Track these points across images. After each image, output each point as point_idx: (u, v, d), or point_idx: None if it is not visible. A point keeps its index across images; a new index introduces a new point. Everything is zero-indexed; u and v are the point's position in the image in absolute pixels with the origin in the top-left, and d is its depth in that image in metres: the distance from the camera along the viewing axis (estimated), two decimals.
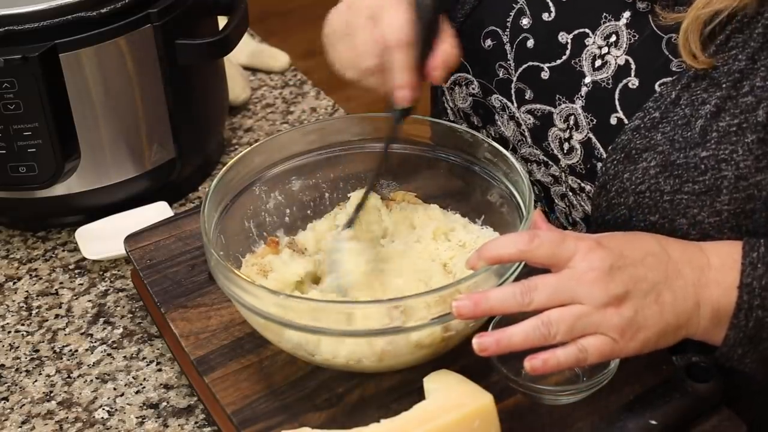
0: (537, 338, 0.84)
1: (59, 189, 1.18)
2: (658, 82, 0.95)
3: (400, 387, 0.94)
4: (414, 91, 0.97)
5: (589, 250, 0.85)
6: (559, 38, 1.02)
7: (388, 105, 0.98)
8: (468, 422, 0.85)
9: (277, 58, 1.53)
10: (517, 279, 0.88)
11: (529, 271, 0.88)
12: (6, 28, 1.08)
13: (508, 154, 1.00)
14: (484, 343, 0.84)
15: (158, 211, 1.21)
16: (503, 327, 0.85)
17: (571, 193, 1.04)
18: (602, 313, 0.84)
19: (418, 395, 0.90)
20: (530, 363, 0.84)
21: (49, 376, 1.06)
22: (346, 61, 1.01)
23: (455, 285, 0.87)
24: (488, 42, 1.07)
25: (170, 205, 1.24)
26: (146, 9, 1.15)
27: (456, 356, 0.93)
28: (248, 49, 1.52)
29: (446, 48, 0.97)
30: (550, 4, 1.03)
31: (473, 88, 1.09)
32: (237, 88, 1.42)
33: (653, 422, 0.88)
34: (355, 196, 1.07)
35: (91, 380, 1.05)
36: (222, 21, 1.26)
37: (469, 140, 1.04)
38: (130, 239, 1.11)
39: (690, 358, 0.98)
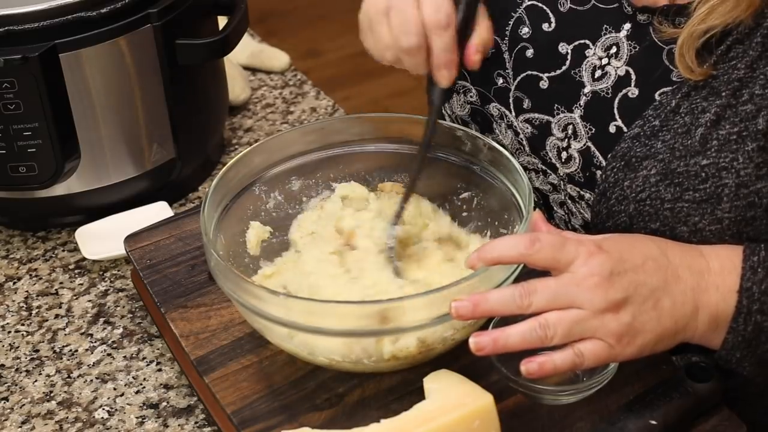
0: (534, 340, 0.84)
1: (59, 189, 1.18)
2: (657, 92, 0.96)
3: (400, 387, 0.94)
4: (455, 72, 0.95)
5: (589, 254, 0.85)
6: (560, 49, 1.02)
7: (427, 88, 0.97)
8: (468, 422, 0.85)
9: (277, 58, 1.53)
10: (516, 280, 0.88)
11: (529, 272, 0.88)
12: (6, 28, 1.08)
13: (508, 154, 1.00)
14: (480, 342, 0.84)
15: (158, 211, 1.21)
16: (502, 327, 0.85)
17: (570, 201, 1.04)
18: (600, 319, 0.84)
19: (418, 395, 0.90)
20: (526, 367, 0.85)
21: (49, 376, 1.06)
22: (386, 41, 0.97)
23: (454, 285, 0.87)
24: None
25: (170, 205, 1.24)
26: (146, 9, 1.15)
27: (456, 356, 0.93)
28: (248, 49, 1.52)
29: (483, 32, 0.96)
30: (550, 14, 1.03)
31: (471, 96, 1.09)
32: (237, 88, 1.42)
33: (653, 422, 0.88)
34: (341, 188, 1.07)
35: (91, 380, 1.05)
36: (222, 21, 1.26)
37: (469, 141, 1.04)
38: (130, 239, 1.11)
39: (690, 358, 0.98)
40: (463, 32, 0.95)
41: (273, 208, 1.07)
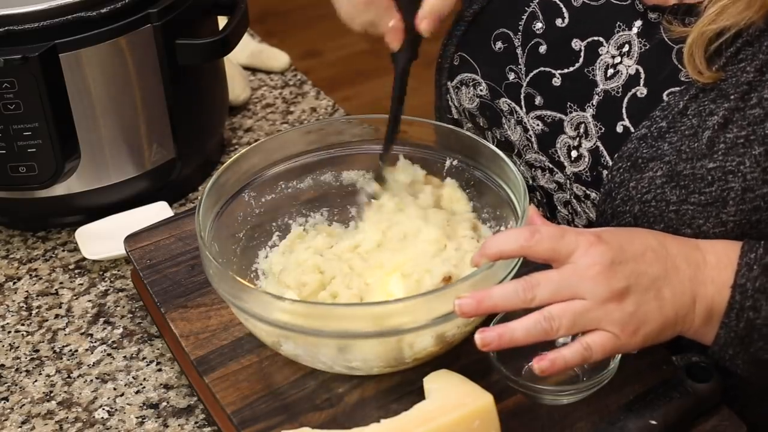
0: (539, 333, 0.84)
1: (59, 189, 1.18)
2: (666, 92, 0.95)
3: (400, 387, 0.94)
4: (402, 34, 0.99)
5: (590, 245, 0.85)
6: (573, 45, 1.02)
7: (392, 55, 1.01)
8: (468, 422, 0.85)
9: (277, 58, 1.53)
10: (517, 275, 0.88)
11: (531, 267, 0.88)
12: (6, 28, 1.08)
13: (501, 154, 0.99)
14: (486, 337, 0.84)
15: (158, 211, 1.21)
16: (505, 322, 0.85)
17: (575, 200, 1.04)
18: (604, 309, 0.84)
19: (418, 395, 0.90)
20: (538, 365, 0.84)
21: (49, 376, 1.06)
22: (347, 15, 1.04)
23: (455, 285, 0.87)
24: (498, 44, 1.07)
25: (170, 205, 1.24)
26: (146, 9, 1.15)
27: (456, 356, 0.93)
28: (248, 49, 1.52)
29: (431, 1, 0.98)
30: (564, 9, 1.03)
31: (481, 90, 1.09)
32: (237, 88, 1.42)
33: (653, 422, 0.88)
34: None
35: (91, 380, 1.05)
36: (222, 21, 1.26)
37: (466, 141, 1.04)
38: (130, 239, 1.11)
39: (690, 358, 0.98)
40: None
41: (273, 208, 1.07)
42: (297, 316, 0.88)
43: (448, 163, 1.06)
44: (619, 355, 0.91)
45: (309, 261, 1.00)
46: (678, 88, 0.95)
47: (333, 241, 1.04)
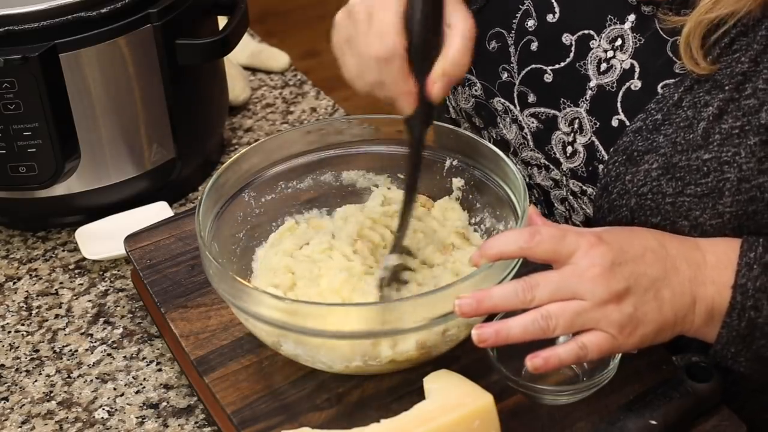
0: (536, 331, 0.84)
1: (59, 189, 1.18)
2: (660, 84, 0.95)
3: (400, 387, 0.94)
4: (412, 101, 0.90)
5: (590, 246, 0.85)
6: (563, 39, 1.02)
7: (406, 120, 0.92)
8: (468, 422, 0.85)
9: (277, 58, 1.53)
10: (517, 276, 0.88)
11: (531, 268, 0.88)
12: (6, 28, 1.08)
13: (501, 154, 0.99)
14: (483, 334, 0.84)
15: (158, 211, 1.21)
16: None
17: (571, 197, 1.04)
18: (602, 310, 0.84)
19: (418, 395, 0.90)
20: (532, 362, 0.84)
21: (49, 376, 1.06)
22: (354, 73, 0.94)
23: (455, 285, 0.87)
24: (493, 44, 1.07)
25: (170, 205, 1.24)
26: (146, 9, 1.15)
27: (456, 356, 0.93)
28: (248, 49, 1.52)
29: (451, 54, 0.88)
30: (555, 4, 1.03)
31: (476, 90, 1.09)
32: (237, 88, 1.42)
33: (653, 422, 0.88)
34: (382, 189, 1.07)
35: (91, 380, 1.05)
36: (222, 21, 1.26)
37: (465, 141, 1.04)
38: (130, 239, 1.11)
39: (690, 358, 0.98)
40: (425, 55, 0.88)
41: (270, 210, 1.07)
42: (294, 316, 0.88)
43: (448, 163, 1.06)
44: (619, 355, 0.91)
45: (281, 263, 1.00)
46: (673, 80, 0.95)
47: (302, 242, 1.04)
